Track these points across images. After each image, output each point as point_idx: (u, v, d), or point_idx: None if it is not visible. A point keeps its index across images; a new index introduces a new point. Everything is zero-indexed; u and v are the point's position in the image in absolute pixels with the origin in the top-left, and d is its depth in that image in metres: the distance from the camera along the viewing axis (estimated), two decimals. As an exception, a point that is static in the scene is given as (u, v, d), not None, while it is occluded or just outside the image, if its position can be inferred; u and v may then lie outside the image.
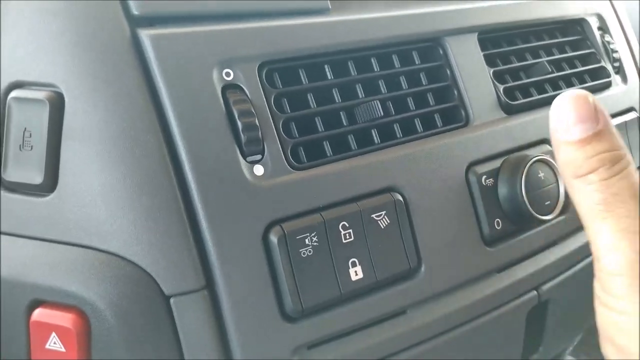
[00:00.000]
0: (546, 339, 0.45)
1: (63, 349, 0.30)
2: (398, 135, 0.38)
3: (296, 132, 0.34)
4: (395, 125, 0.38)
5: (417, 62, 0.41)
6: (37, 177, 0.29)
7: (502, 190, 0.39)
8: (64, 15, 0.30)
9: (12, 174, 0.30)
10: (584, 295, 0.47)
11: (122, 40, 0.30)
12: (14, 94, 0.30)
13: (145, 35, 0.31)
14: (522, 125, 0.42)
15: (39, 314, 0.30)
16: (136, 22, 0.31)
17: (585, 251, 0.45)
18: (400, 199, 0.35)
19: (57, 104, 0.29)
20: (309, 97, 0.36)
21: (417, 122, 0.39)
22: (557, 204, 0.39)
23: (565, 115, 0.26)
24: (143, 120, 0.30)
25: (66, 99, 0.29)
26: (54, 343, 0.30)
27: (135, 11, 0.31)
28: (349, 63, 0.38)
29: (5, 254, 0.30)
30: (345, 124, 0.36)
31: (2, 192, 0.31)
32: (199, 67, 0.31)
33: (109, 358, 0.29)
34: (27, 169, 0.29)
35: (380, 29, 0.39)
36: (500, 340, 0.41)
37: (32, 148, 0.29)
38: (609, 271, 0.24)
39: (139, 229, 0.29)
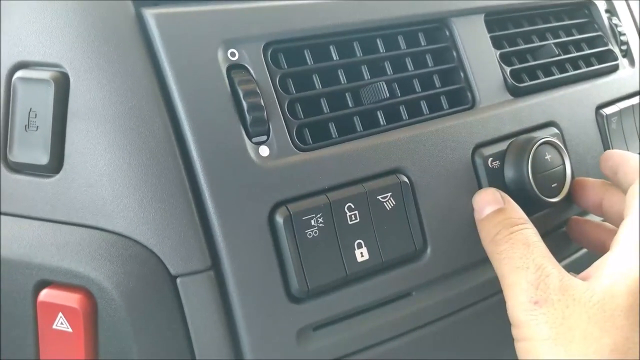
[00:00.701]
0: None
1: (70, 329, 0.30)
2: (404, 117, 0.38)
3: (301, 113, 0.34)
4: (401, 107, 0.38)
5: (423, 44, 0.40)
6: (42, 158, 0.29)
7: (509, 173, 0.39)
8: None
9: (18, 155, 0.30)
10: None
11: (126, 20, 0.30)
12: (19, 74, 0.30)
13: (150, 14, 0.30)
14: (529, 108, 0.42)
15: (45, 294, 0.30)
16: (140, 1, 0.31)
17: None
18: (406, 180, 0.35)
19: (62, 84, 0.29)
20: (314, 78, 0.35)
21: (423, 104, 0.39)
22: (563, 186, 0.39)
23: (480, 201, 0.36)
24: (148, 99, 0.29)
25: (71, 79, 0.29)
26: (61, 323, 0.30)
27: (139, -10, 0.31)
28: (355, 44, 0.37)
29: (11, 235, 0.30)
30: (350, 105, 0.36)
31: (7, 172, 0.30)
32: (204, 46, 0.31)
33: (116, 338, 0.29)
34: (32, 149, 0.29)
35: (386, 10, 0.38)
36: (505, 323, 0.41)
37: (37, 128, 0.29)
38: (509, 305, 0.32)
39: (145, 209, 0.29)
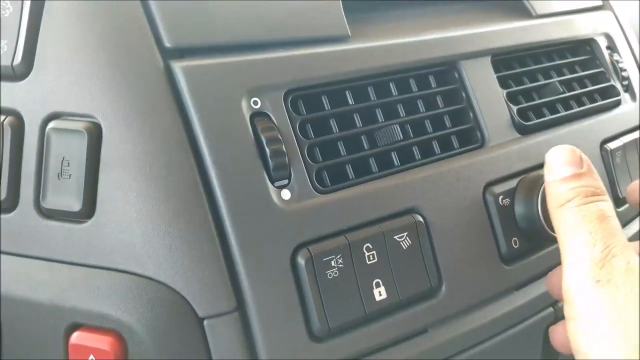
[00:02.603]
0: (563, 356, 0.46)
1: (100, 370, 0.31)
2: (417, 157, 0.39)
3: (320, 156, 0.36)
4: (414, 148, 0.39)
5: (433, 86, 0.42)
6: (75, 205, 0.30)
7: (519, 210, 0.40)
8: (100, 50, 0.31)
9: (51, 202, 0.31)
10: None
11: (155, 72, 0.32)
12: (52, 124, 0.31)
13: (178, 67, 0.32)
14: (536, 145, 0.44)
15: (77, 336, 0.31)
16: (168, 54, 0.33)
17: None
18: (421, 220, 0.36)
19: (94, 134, 0.30)
20: (331, 122, 0.37)
21: (435, 144, 0.40)
22: (572, 222, 0.40)
23: (556, 159, 0.34)
24: (177, 149, 0.31)
25: (104, 129, 0.31)
26: (92, 364, 0.31)
27: (167, 44, 0.33)
28: (369, 88, 0.39)
29: (44, 279, 0.32)
30: (366, 147, 0.38)
31: (40, 218, 0.32)
32: (229, 96, 0.33)
33: (145, 378, 0.30)
34: (65, 196, 0.31)
35: (397, 55, 0.40)
36: (518, 357, 0.42)
37: (70, 177, 0.31)
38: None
39: (174, 253, 0.30)
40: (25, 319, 0.32)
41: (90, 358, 0.30)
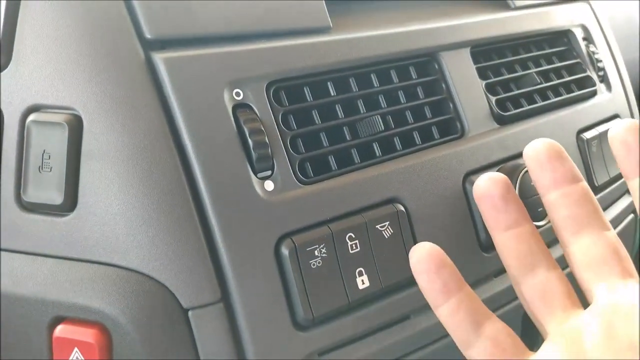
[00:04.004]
0: (541, 341, 0.47)
1: (85, 363, 0.31)
2: (398, 148, 0.40)
3: (303, 148, 0.36)
4: (395, 139, 0.40)
5: (414, 77, 0.42)
6: (57, 198, 0.30)
7: (498, 199, 0.41)
8: (80, 41, 0.31)
9: (32, 195, 0.31)
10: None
11: (136, 64, 0.32)
12: (32, 117, 0.31)
13: (159, 58, 0.32)
14: (514, 135, 0.44)
15: (61, 330, 0.31)
16: (149, 46, 0.33)
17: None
18: (403, 209, 0.37)
19: (75, 127, 0.30)
20: (313, 113, 0.37)
21: (416, 134, 0.41)
22: (549, 210, 0.41)
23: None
24: (159, 140, 0.31)
25: (84, 122, 0.31)
26: (77, 358, 0.31)
27: (148, 35, 0.32)
28: (351, 80, 0.39)
29: (26, 273, 0.31)
30: (348, 138, 0.38)
31: (21, 212, 0.31)
32: (211, 88, 0.33)
33: (130, 370, 0.30)
34: (46, 190, 0.30)
35: (379, 46, 0.40)
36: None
37: (51, 169, 0.30)
38: None
39: (158, 245, 0.30)
40: (8, 314, 0.32)
41: (74, 351, 0.30)
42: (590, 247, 0.30)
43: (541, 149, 0.32)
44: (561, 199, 0.31)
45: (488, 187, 0.33)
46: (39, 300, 0.30)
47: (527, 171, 0.41)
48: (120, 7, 0.32)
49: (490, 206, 0.32)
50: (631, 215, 0.56)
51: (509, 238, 0.32)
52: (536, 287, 0.32)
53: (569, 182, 0.31)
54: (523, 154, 0.34)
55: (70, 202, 0.31)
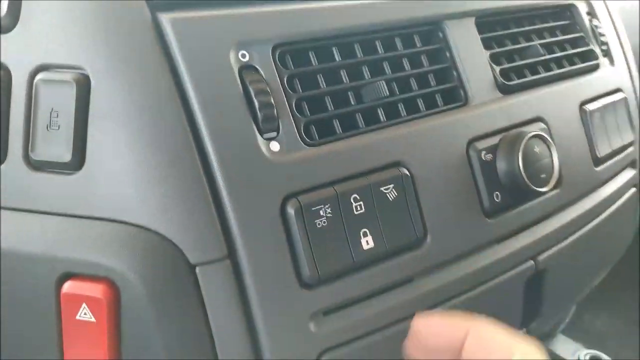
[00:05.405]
0: (544, 307, 0.48)
1: (93, 319, 0.31)
2: (402, 114, 0.40)
3: (308, 110, 0.36)
4: (399, 105, 0.40)
5: (418, 45, 0.42)
6: (65, 155, 0.30)
7: (501, 165, 0.41)
8: (87, 4, 0.31)
9: (40, 153, 0.31)
10: (578, 265, 0.49)
11: (143, 24, 0.32)
12: (40, 76, 0.31)
13: (166, 19, 0.32)
14: (518, 104, 0.45)
15: (69, 286, 0.31)
16: (156, 6, 0.33)
17: (579, 223, 0.48)
18: (407, 173, 0.37)
19: (83, 85, 0.30)
20: (318, 77, 0.37)
21: (420, 101, 0.41)
22: (551, 176, 0.42)
23: None
24: (166, 99, 0.31)
25: (92, 80, 0.31)
26: (85, 314, 0.31)
27: (154, -4, 0.33)
28: (356, 45, 0.39)
29: (34, 231, 0.32)
30: (353, 103, 0.38)
31: (29, 170, 0.32)
32: (217, 49, 0.33)
33: (138, 326, 0.31)
34: (54, 147, 0.31)
35: (384, 12, 0.41)
36: (500, 308, 0.43)
37: (59, 127, 0.31)
38: None
39: (166, 202, 0.30)
40: (16, 272, 0.32)
41: (82, 307, 0.31)
42: None
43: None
44: None
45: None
46: (47, 257, 0.31)
47: (530, 138, 0.41)
48: (126, -33, 0.32)
49: None
50: (633, 189, 0.56)
51: None
52: None
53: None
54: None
55: (78, 160, 0.31)
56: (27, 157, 0.32)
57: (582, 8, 0.56)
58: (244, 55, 0.34)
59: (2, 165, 0.32)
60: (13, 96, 0.31)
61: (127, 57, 0.31)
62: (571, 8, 0.55)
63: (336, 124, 0.37)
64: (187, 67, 0.32)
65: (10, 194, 0.33)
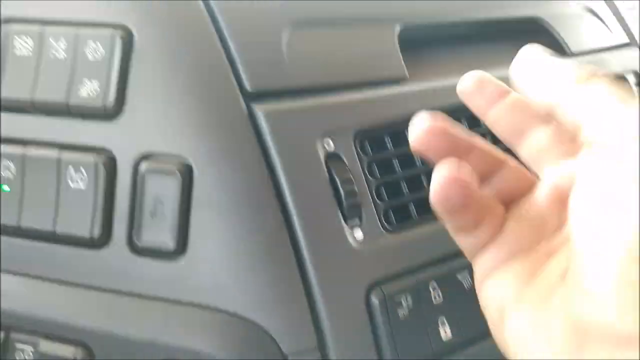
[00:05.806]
0: None
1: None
2: (472, 196, 0.41)
3: (386, 196, 0.37)
4: (470, 187, 0.41)
5: (486, 126, 0.44)
6: (169, 243, 0.31)
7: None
8: (189, 94, 0.33)
9: (145, 240, 0.32)
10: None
11: (240, 115, 0.33)
12: (146, 165, 0.32)
13: (260, 110, 0.34)
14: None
15: (167, 373, 0.32)
16: (250, 98, 0.34)
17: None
18: (480, 258, 0.38)
19: (186, 175, 0.32)
20: (394, 162, 0.39)
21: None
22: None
23: None
24: (262, 189, 0.32)
25: (195, 170, 0.32)
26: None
27: (249, 87, 0.34)
28: (429, 129, 0.40)
29: (138, 316, 0.32)
30: (426, 186, 0.39)
31: (133, 256, 0.33)
32: (307, 138, 0.34)
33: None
34: (159, 235, 0.32)
35: (453, 95, 0.42)
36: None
37: (164, 216, 0.32)
38: None
39: (263, 292, 0.31)
40: (118, 355, 0.33)
41: (179, 393, 0.31)
42: (535, 141, 0.29)
43: (467, 81, 0.33)
44: (497, 112, 0.31)
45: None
46: (149, 343, 0.32)
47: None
48: (223, 61, 0.34)
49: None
50: None
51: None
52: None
53: (499, 96, 0.31)
54: (457, 92, 0.32)
55: (181, 248, 0.32)
56: (131, 243, 0.33)
57: (631, 80, 0.58)
58: (328, 144, 0.36)
59: (106, 249, 0.33)
60: (118, 182, 0.33)
61: (227, 148, 0.32)
62: (622, 79, 0.57)
63: (412, 208, 0.38)
64: (280, 157, 0.33)
65: (112, 276, 0.34)
